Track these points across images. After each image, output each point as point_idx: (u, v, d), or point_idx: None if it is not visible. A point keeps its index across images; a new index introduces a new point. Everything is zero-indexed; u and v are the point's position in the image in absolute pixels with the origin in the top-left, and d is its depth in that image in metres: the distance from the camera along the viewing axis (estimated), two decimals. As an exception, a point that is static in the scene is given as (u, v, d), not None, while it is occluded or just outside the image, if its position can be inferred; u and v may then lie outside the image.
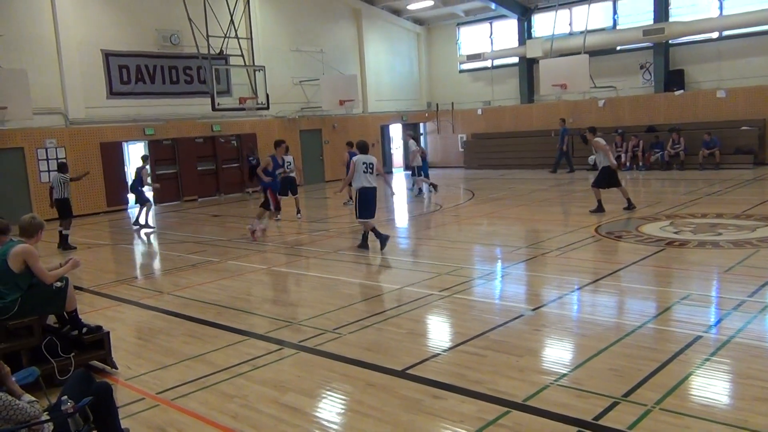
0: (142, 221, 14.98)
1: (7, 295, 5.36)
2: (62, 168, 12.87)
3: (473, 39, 27.34)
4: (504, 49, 26.00)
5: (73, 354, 5.51)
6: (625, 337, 5.79)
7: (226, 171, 21.70)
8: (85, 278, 9.74)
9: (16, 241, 5.53)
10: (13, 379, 4.21)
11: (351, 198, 14.57)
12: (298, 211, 15.10)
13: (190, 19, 17.87)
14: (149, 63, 19.55)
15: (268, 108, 20.43)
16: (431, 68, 28.77)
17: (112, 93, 18.88)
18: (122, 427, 4.20)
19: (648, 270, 8.45)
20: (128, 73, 19.15)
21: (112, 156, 18.92)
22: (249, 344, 6.30)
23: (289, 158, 14.86)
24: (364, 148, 10.68)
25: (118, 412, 4.24)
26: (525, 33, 25.38)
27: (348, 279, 9.24)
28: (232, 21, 19.05)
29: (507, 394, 4.72)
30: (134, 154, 22.81)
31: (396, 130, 28.35)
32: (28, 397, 4.07)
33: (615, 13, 23.33)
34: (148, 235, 14.30)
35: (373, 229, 10.56)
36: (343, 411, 4.81)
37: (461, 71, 27.79)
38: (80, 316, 5.88)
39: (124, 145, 20.06)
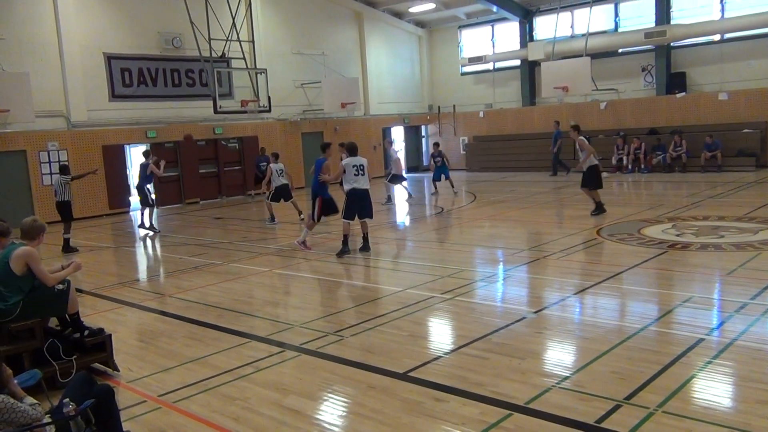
0: (147, 223, 14.63)
1: (9, 298, 5.37)
2: (64, 170, 12.85)
3: (475, 42, 27.37)
4: (505, 52, 26.03)
5: (74, 356, 5.51)
6: (627, 340, 5.78)
7: (228, 174, 21.72)
8: (87, 281, 9.75)
9: (17, 243, 5.54)
10: (15, 381, 4.22)
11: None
12: (300, 213, 14.99)
13: (192, 22, 17.90)
14: (151, 66, 19.59)
15: (269, 111, 20.43)
16: (433, 71, 28.79)
17: (114, 96, 18.92)
18: (124, 429, 4.21)
19: (650, 272, 8.44)
20: (130, 76, 19.19)
21: (115, 159, 18.95)
22: (251, 347, 6.30)
23: (280, 165, 14.80)
24: (353, 151, 10.51)
25: (119, 415, 4.25)
26: (526, 36, 25.40)
27: (349, 281, 9.25)
28: (233, 24, 19.08)
29: (509, 397, 4.72)
30: (136, 157, 22.81)
31: (397, 133, 28.36)
32: (29, 399, 4.08)
33: (616, 15, 23.34)
34: (151, 237, 14.26)
35: (346, 236, 10.47)
36: (344, 413, 4.80)
37: (463, 74, 27.82)
38: (82, 319, 5.89)
39: (126, 147, 20.08)
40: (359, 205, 10.41)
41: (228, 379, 5.44)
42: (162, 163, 14.85)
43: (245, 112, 20.04)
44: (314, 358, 5.86)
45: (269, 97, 19.98)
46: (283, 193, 14.74)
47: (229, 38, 18.96)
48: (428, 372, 5.34)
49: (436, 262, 9.96)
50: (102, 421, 3.94)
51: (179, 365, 5.89)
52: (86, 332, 5.73)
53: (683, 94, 21.74)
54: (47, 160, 17.41)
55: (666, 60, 22.18)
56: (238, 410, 4.84)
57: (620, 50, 23.21)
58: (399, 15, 26.98)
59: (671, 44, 22.00)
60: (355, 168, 10.28)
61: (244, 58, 19.68)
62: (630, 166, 21.44)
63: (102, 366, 5.80)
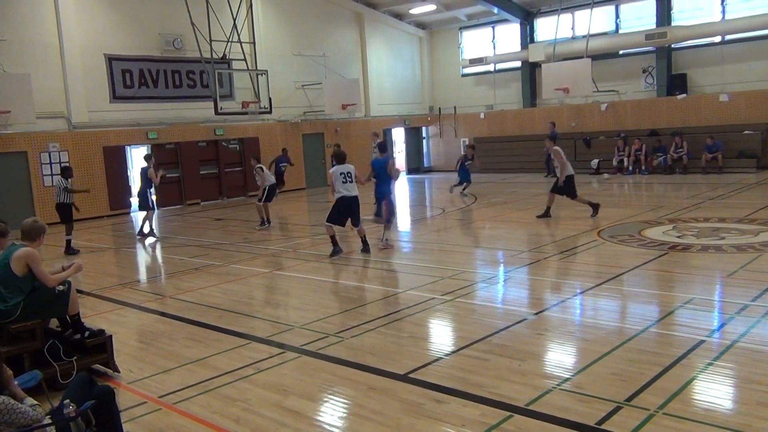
0: (146, 230, 14.24)
1: (10, 299, 5.37)
2: (64, 172, 12.65)
3: (476, 43, 27.38)
4: (506, 53, 26.03)
5: (75, 357, 5.51)
6: (628, 342, 5.78)
7: (228, 175, 21.72)
8: (88, 281, 9.75)
9: (18, 244, 5.54)
10: (16, 382, 4.23)
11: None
12: (263, 219, 14.42)
13: (193, 24, 17.92)
14: (152, 67, 19.61)
15: (270, 112, 20.45)
16: (434, 72, 28.80)
17: (116, 97, 18.94)
18: (124, 430, 4.20)
19: (651, 274, 8.44)
20: (131, 77, 19.21)
21: (115, 160, 18.96)
22: (251, 348, 6.29)
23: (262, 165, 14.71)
24: (341, 158, 10.57)
25: (120, 416, 4.25)
26: (527, 37, 25.41)
27: (350, 283, 9.25)
28: (235, 25, 19.10)
29: (509, 398, 4.71)
30: (137, 158, 22.83)
31: (398, 134, 28.40)
32: (30, 400, 4.08)
33: (617, 17, 23.35)
34: (151, 242, 14.16)
35: (332, 237, 10.50)
36: (344, 415, 4.80)
37: (464, 75, 27.83)
38: (83, 320, 5.90)
39: (127, 149, 20.10)
40: (348, 211, 10.40)
41: (228, 381, 5.44)
42: (159, 173, 14.43)
43: (246, 113, 20.06)
44: (315, 360, 5.86)
45: (270, 99, 20.01)
46: (274, 192, 14.59)
47: (230, 39, 18.98)
48: (429, 373, 5.34)
49: (437, 263, 9.96)
50: (102, 422, 3.94)
51: (180, 366, 5.89)
52: (87, 333, 5.73)
53: (684, 95, 21.73)
54: (48, 161, 17.43)
55: (667, 61, 22.18)
56: (238, 411, 4.84)
57: (621, 52, 23.21)
58: (399, 16, 26.99)
59: (672, 46, 22.00)
60: (343, 175, 10.30)
61: (244, 60, 19.70)
62: (631, 168, 21.44)
63: (102, 367, 5.80)
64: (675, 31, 21.29)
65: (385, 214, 10.98)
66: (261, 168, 14.55)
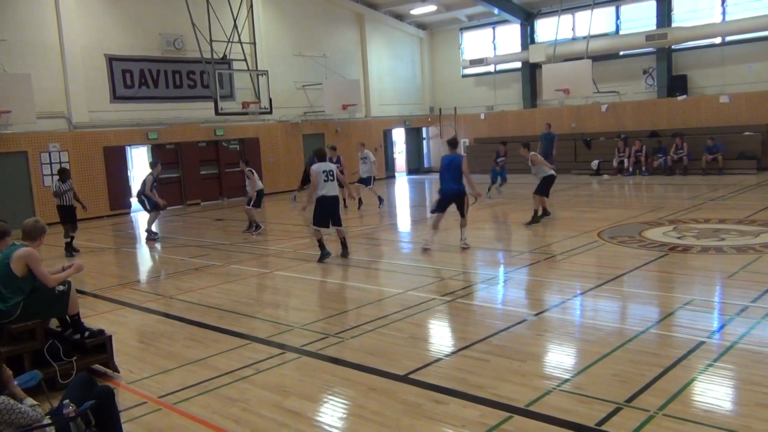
0: (154, 228, 13.96)
1: (10, 299, 5.38)
2: (62, 174, 12.48)
3: (476, 44, 27.38)
4: (507, 54, 26.02)
5: (75, 358, 5.52)
6: (628, 343, 5.78)
7: (228, 175, 21.71)
8: (88, 282, 9.75)
9: (18, 244, 5.54)
10: (16, 382, 4.23)
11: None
12: (252, 225, 13.83)
13: (193, 24, 17.92)
14: (153, 67, 19.61)
15: (271, 112, 20.44)
16: (434, 73, 28.80)
17: (116, 97, 18.93)
18: (124, 431, 4.20)
19: (651, 275, 8.43)
20: (132, 78, 19.21)
21: (116, 160, 18.95)
22: (251, 348, 6.29)
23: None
24: (322, 156, 10.48)
25: (119, 416, 4.25)
26: (528, 38, 25.41)
27: (350, 283, 9.25)
28: (235, 26, 19.10)
29: (509, 399, 4.71)
30: (137, 159, 22.86)
31: (398, 135, 28.40)
32: (30, 400, 4.08)
33: (618, 18, 23.35)
34: (151, 240, 14.12)
35: (320, 240, 10.36)
36: (344, 415, 4.80)
37: (464, 76, 27.83)
38: (82, 320, 5.90)
39: (128, 149, 20.09)
40: (330, 212, 10.22)
41: (228, 381, 5.44)
42: (163, 202, 13.78)
43: (246, 113, 20.05)
44: (315, 360, 5.86)
45: (270, 99, 20.01)
46: (262, 198, 13.79)
47: (231, 40, 18.98)
48: (429, 374, 5.34)
49: (437, 263, 9.96)
50: (102, 422, 3.94)
51: (179, 367, 5.89)
52: (87, 333, 5.73)
53: (684, 96, 21.73)
54: (48, 161, 17.42)
55: (667, 62, 22.18)
56: (238, 412, 4.84)
57: (621, 53, 23.21)
58: (400, 17, 27.00)
59: (672, 47, 22.00)
60: (325, 174, 10.14)
61: (245, 60, 19.70)
62: (631, 169, 21.44)
63: (102, 367, 5.80)
64: (675, 32, 21.29)
65: (466, 211, 10.83)
66: (252, 171, 14.01)
